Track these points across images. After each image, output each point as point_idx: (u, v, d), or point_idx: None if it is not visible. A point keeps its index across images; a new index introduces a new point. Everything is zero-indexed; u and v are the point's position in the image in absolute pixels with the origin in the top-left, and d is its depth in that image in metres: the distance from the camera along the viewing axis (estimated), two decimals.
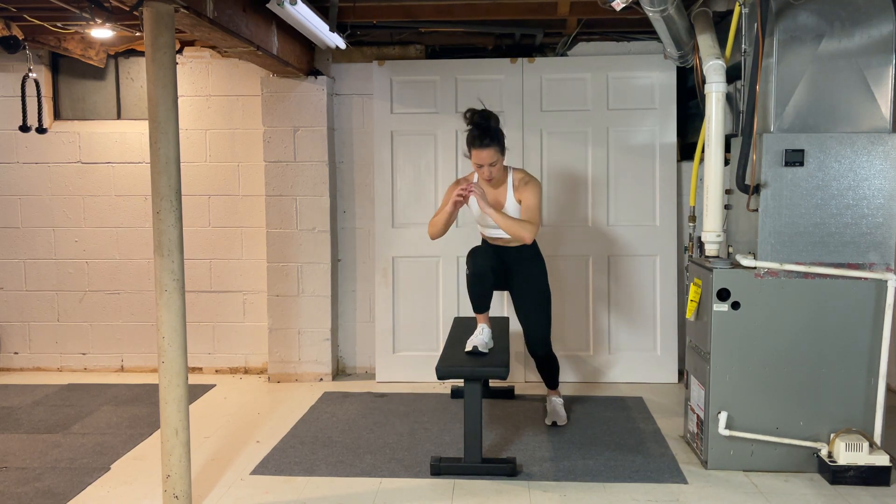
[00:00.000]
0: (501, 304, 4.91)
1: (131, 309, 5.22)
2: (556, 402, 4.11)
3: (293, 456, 3.65)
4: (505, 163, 3.74)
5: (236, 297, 5.15)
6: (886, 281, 3.26)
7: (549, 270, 4.98)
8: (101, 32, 4.25)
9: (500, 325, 4.18)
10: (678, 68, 4.70)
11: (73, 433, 3.99)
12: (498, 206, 3.73)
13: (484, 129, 3.58)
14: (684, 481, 3.30)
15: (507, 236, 3.75)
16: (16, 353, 5.30)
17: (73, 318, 5.25)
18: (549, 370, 4.07)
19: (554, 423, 4.00)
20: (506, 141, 3.70)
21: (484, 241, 4.00)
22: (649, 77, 4.80)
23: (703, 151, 3.72)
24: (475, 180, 3.78)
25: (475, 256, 3.70)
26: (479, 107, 3.68)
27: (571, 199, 4.89)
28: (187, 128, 5.01)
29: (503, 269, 3.85)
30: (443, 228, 3.66)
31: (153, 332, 5.19)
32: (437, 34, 4.83)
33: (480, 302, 3.73)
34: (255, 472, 3.47)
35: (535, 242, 3.89)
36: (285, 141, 4.89)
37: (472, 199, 3.67)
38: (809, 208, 3.30)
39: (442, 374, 3.39)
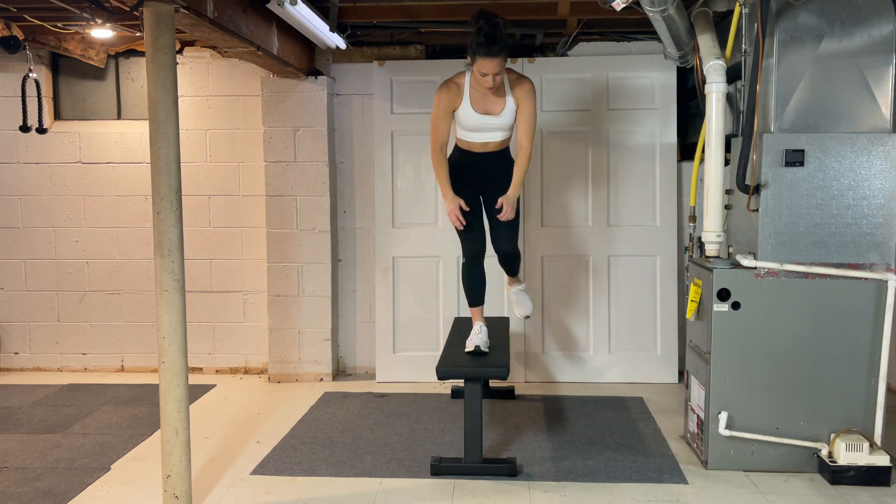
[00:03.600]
0: (501, 303, 4.90)
1: (131, 309, 5.22)
2: (520, 288, 3.98)
3: (293, 456, 3.65)
4: None
5: (236, 297, 5.15)
6: (886, 281, 3.26)
7: (549, 270, 4.98)
8: (102, 32, 4.25)
9: (499, 325, 4.18)
10: (678, 68, 4.70)
11: (73, 433, 3.99)
12: (495, 111, 3.50)
13: (493, 38, 3.24)
14: (684, 481, 3.30)
15: (495, 141, 3.59)
16: (16, 353, 5.30)
17: (74, 318, 5.25)
18: (513, 262, 3.86)
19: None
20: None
21: (460, 151, 3.66)
22: (649, 77, 4.80)
23: (703, 151, 3.72)
24: (467, 78, 3.49)
25: (468, 239, 3.61)
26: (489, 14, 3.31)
27: (571, 200, 4.89)
28: (187, 128, 5.01)
29: (481, 178, 3.64)
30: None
31: (153, 332, 5.19)
32: (437, 34, 4.83)
33: (478, 290, 3.70)
34: (256, 472, 3.47)
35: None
36: (285, 141, 4.89)
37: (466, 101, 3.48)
38: (810, 208, 3.30)
39: (442, 374, 3.39)
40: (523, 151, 3.53)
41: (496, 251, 3.77)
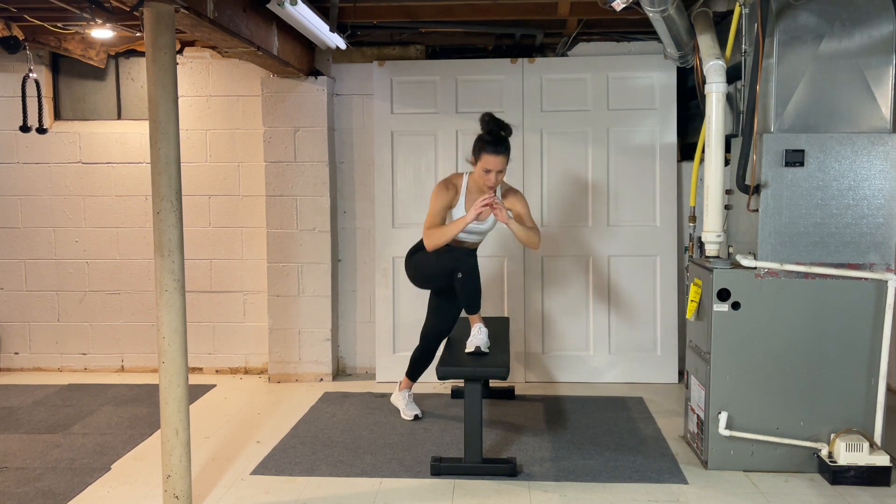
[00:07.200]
0: (502, 304, 4.90)
1: (131, 309, 5.22)
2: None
3: (293, 456, 3.65)
4: None
5: (236, 297, 5.16)
6: (886, 281, 3.26)
7: (549, 270, 4.98)
8: (102, 33, 4.25)
9: (499, 325, 4.18)
10: (678, 68, 4.70)
11: (73, 433, 3.99)
12: (483, 216, 3.56)
13: (500, 138, 3.58)
14: (684, 481, 3.30)
15: (470, 241, 3.79)
16: (16, 353, 5.30)
17: (74, 318, 5.25)
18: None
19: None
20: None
21: (446, 245, 3.68)
22: (649, 77, 4.80)
23: (703, 151, 3.72)
24: (465, 181, 3.76)
25: (460, 260, 3.65)
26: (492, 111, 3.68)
27: (571, 200, 4.89)
28: (188, 128, 5.01)
29: (457, 264, 3.71)
30: (447, 242, 3.59)
31: (153, 332, 5.19)
32: (438, 34, 4.83)
33: (477, 298, 3.71)
34: (256, 472, 3.47)
35: None
36: (286, 141, 4.89)
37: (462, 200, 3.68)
38: (810, 208, 3.30)
39: (442, 374, 3.39)
40: (531, 227, 3.64)
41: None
